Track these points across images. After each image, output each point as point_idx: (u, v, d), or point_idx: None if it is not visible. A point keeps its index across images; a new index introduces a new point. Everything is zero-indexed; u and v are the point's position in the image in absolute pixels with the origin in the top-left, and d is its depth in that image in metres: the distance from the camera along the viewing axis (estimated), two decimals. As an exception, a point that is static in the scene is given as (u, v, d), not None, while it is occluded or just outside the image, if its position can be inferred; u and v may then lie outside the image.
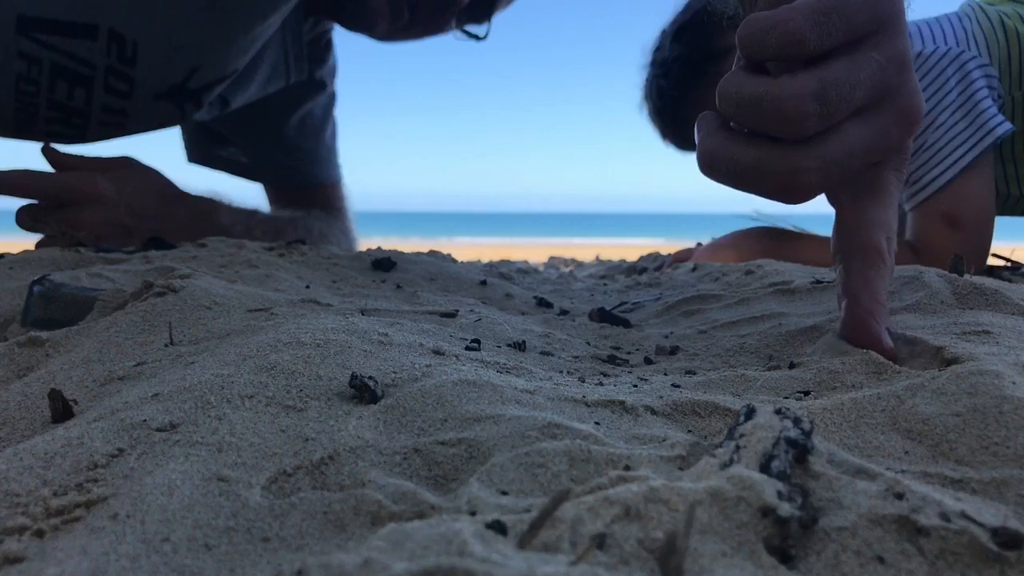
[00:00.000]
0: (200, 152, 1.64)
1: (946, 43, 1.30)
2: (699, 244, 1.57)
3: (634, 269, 1.75)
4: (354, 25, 1.50)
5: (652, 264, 1.73)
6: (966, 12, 1.36)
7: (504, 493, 0.37)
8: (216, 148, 1.63)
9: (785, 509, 0.32)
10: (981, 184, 1.26)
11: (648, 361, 0.69)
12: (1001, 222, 1.36)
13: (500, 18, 1.56)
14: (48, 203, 1.18)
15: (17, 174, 1.17)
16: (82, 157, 1.25)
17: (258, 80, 1.43)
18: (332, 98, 1.69)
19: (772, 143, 0.51)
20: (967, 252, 1.14)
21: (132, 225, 1.22)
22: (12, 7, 1.14)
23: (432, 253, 1.46)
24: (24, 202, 1.18)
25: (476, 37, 1.55)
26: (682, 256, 1.51)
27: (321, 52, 1.60)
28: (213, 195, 1.39)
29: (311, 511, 0.36)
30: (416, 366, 0.52)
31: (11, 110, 1.23)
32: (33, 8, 1.14)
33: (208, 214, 1.35)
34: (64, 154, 1.23)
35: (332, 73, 1.67)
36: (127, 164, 1.28)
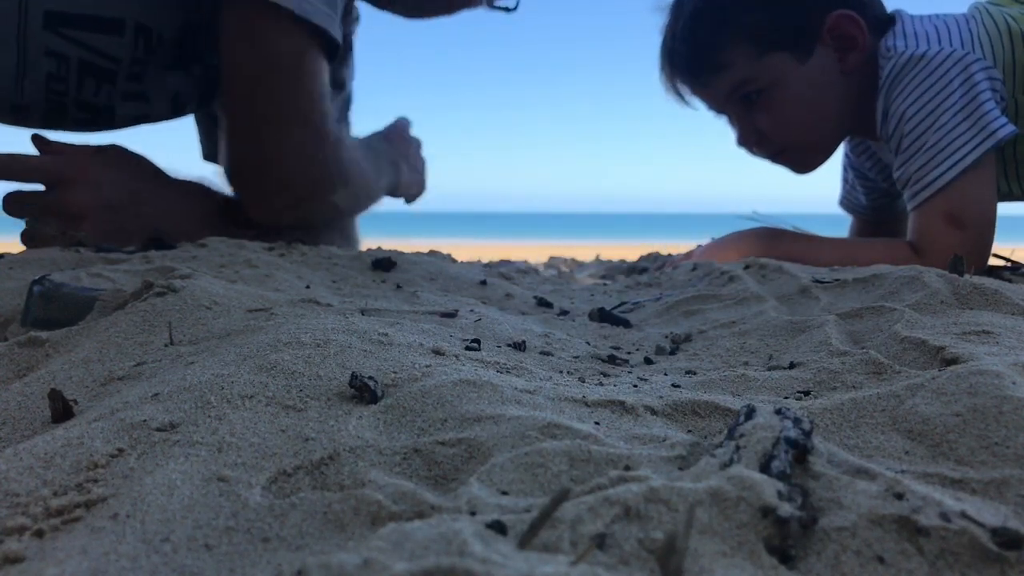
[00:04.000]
0: (215, 148, 1.65)
1: (951, 45, 1.30)
2: (699, 246, 1.57)
3: (634, 269, 1.75)
4: (384, 2, 1.50)
5: (652, 264, 1.73)
6: (973, 14, 1.37)
7: (504, 493, 0.37)
8: None
9: (785, 509, 0.32)
10: (983, 185, 1.26)
11: (648, 361, 0.69)
12: (1000, 222, 1.36)
13: (502, 16, 1.55)
14: (36, 185, 1.18)
15: (2, 157, 1.17)
16: (69, 144, 1.25)
17: None
18: (349, 100, 1.69)
19: None
20: (969, 252, 1.14)
21: (119, 206, 1.21)
22: (39, 3, 1.14)
23: (432, 253, 1.46)
24: (12, 189, 1.18)
25: (506, 9, 1.53)
26: (682, 260, 1.51)
27: (344, 53, 1.60)
28: (200, 180, 1.39)
29: (311, 511, 0.36)
30: (416, 366, 0.52)
31: (42, 110, 1.24)
32: (59, 3, 1.14)
33: (196, 196, 1.35)
34: (51, 141, 1.23)
35: (351, 76, 1.67)
36: (114, 149, 1.28)
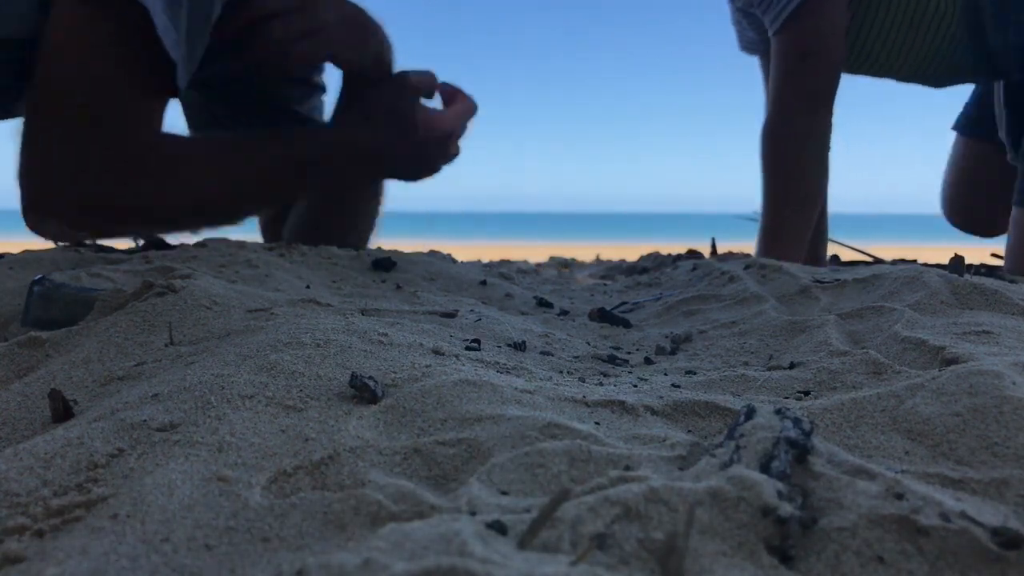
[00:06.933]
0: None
1: None
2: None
3: (634, 269, 1.75)
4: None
5: (652, 263, 1.73)
6: None
7: (504, 493, 0.37)
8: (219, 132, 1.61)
9: (785, 509, 0.32)
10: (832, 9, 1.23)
11: (648, 361, 0.69)
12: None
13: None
14: None
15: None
16: None
17: None
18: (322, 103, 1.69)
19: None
20: (816, 83, 1.10)
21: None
22: None
23: (432, 253, 1.46)
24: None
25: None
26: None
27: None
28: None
29: (311, 511, 0.36)
30: (416, 366, 0.52)
31: None
32: None
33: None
34: None
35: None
36: None
